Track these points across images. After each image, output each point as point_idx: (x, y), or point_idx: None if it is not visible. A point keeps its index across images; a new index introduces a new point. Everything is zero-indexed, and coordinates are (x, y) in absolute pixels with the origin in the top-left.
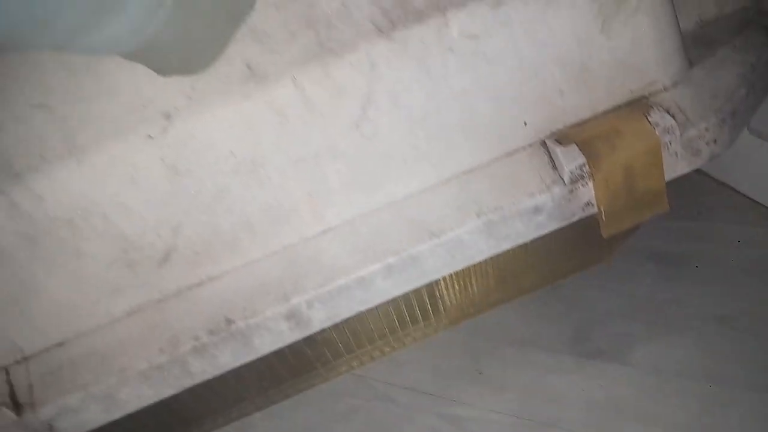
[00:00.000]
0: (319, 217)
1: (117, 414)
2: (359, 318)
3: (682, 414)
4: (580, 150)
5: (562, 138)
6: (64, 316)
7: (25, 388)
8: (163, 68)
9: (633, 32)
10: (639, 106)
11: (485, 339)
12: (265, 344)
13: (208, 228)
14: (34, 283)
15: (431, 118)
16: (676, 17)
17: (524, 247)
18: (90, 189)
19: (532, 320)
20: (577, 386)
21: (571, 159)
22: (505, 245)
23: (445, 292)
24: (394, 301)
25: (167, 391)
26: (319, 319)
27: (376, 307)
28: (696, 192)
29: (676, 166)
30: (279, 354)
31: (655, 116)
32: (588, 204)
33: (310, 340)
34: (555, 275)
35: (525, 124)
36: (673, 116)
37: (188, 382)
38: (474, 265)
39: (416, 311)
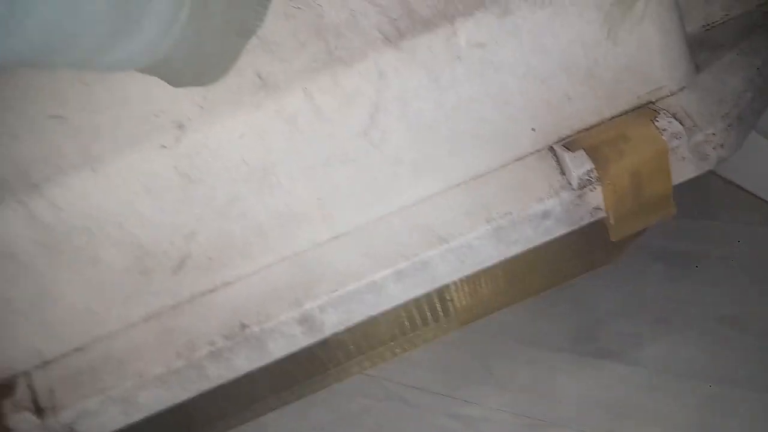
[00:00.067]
0: (329, 223)
1: (136, 417)
2: (371, 321)
3: (693, 414)
4: (588, 155)
5: (570, 144)
6: (82, 321)
7: (46, 393)
8: (175, 80)
9: (639, 38)
10: (646, 111)
11: (495, 339)
12: (278, 348)
13: (221, 235)
14: (53, 290)
15: (440, 125)
16: (682, 22)
17: (533, 251)
18: (105, 198)
19: (540, 320)
20: (587, 386)
21: (579, 164)
22: (515, 250)
23: (455, 294)
24: (404, 304)
25: (184, 395)
26: (332, 323)
27: (387, 310)
28: (703, 191)
29: (683, 171)
30: (292, 356)
31: (662, 121)
32: (596, 209)
33: (322, 343)
34: (564, 277)
35: (533, 130)
36: (680, 121)
37: (204, 386)
38: (484, 269)
39: (426, 313)
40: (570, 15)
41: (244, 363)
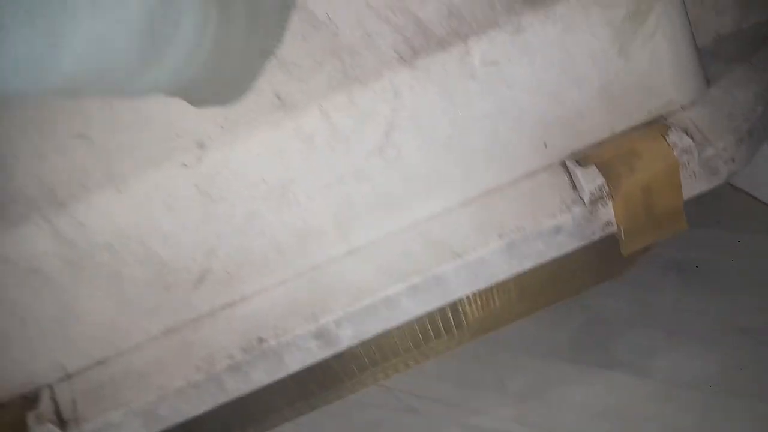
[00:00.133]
0: (345, 239)
1: (156, 429)
2: (385, 333)
3: (704, 426)
4: (600, 171)
5: (581, 159)
6: (104, 335)
7: (69, 405)
8: (197, 101)
9: (651, 54)
10: (657, 126)
11: (507, 350)
12: (295, 362)
13: (240, 250)
14: (76, 304)
15: (453, 141)
16: (694, 37)
17: (545, 264)
18: (128, 215)
19: (553, 331)
20: (599, 397)
21: (590, 180)
22: (527, 264)
23: (467, 307)
24: (418, 317)
25: (202, 407)
26: (347, 337)
27: (402, 324)
28: (715, 200)
29: (694, 186)
30: (307, 368)
31: (673, 136)
32: (608, 223)
33: (337, 355)
34: (575, 290)
35: (545, 145)
36: (690, 136)
37: (223, 399)
38: (496, 283)
39: (439, 326)
40: (581, 31)
41: (261, 376)
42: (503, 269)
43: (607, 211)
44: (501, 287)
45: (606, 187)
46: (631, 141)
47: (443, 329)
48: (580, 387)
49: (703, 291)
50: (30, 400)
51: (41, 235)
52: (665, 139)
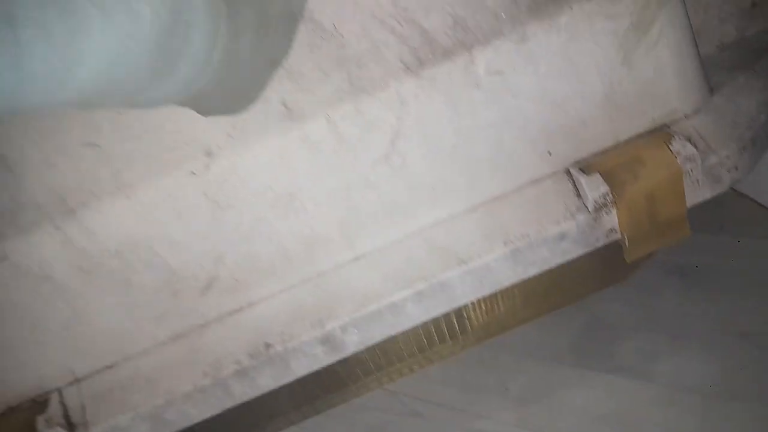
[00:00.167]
0: (351, 245)
1: None
2: (390, 339)
3: (706, 429)
4: (604, 179)
5: (585, 167)
6: (113, 340)
7: (78, 409)
8: (206, 110)
9: (654, 63)
10: (661, 134)
11: (511, 355)
12: (301, 367)
13: (248, 257)
14: (86, 310)
15: (459, 150)
16: (697, 46)
17: (550, 271)
18: (138, 223)
19: (555, 335)
20: (601, 401)
21: (594, 187)
22: (532, 271)
23: (472, 313)
24: (423, 323)
25: (209, 412)
26: (353, 343)
27: (407, 329)
28: (719, 205)
29: (697, 193)
30: (313, 373)
31: (677, 145)
32: (611, 230)
33: (342, 360)
34: (578, 295)
35: (549, 153)
36: (694, 144)
37: (229, 403)
38: (501, 289)
39: (444, 331)
40: (585, 41)
41: (267, 381)
42: (508, 276)
43: (611, 219)
44: (506, 293)
45: (610, 194)
46: (634, 149)
47: (448, 334)
48: (582, 391)
49: (705, 295)
50: (39, 403)
51: (51, 242)
52: (669, 147)
